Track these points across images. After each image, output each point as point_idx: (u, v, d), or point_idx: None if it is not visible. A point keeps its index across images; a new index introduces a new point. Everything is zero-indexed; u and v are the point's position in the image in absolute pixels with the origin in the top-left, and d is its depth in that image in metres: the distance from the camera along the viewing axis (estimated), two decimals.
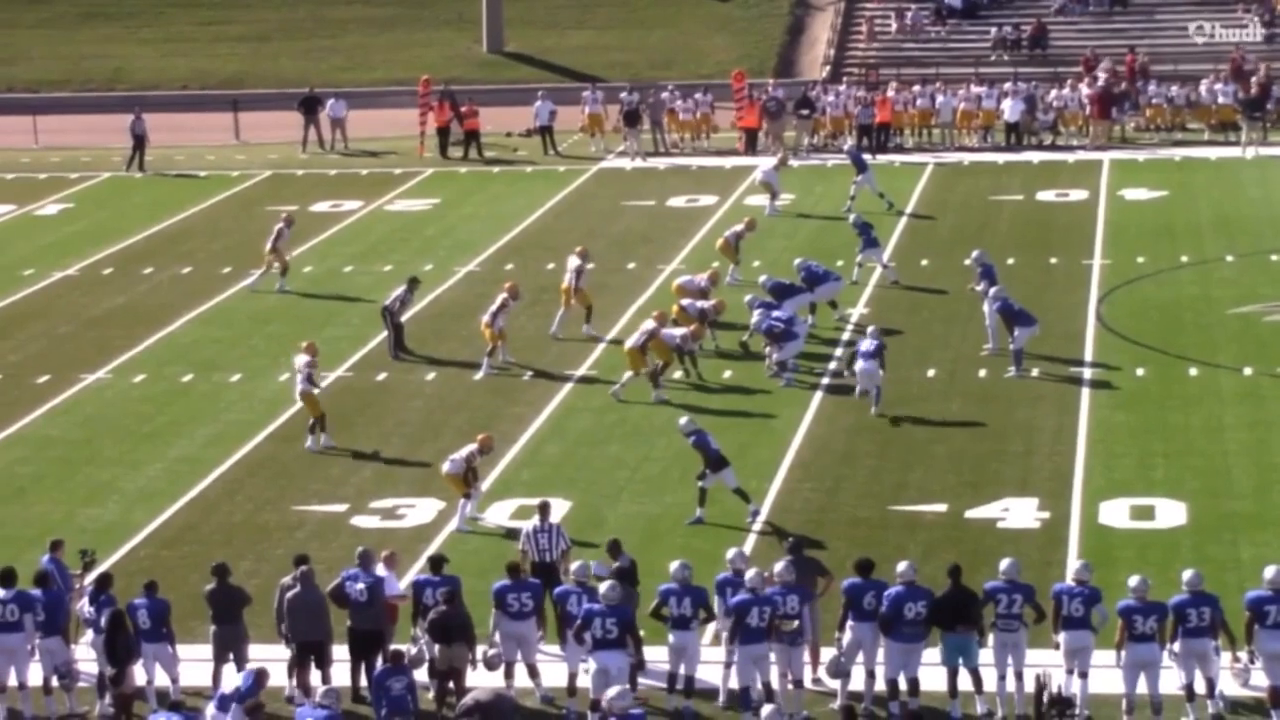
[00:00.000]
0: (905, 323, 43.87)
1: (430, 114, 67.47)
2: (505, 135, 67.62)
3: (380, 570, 28.19)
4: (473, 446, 34.02)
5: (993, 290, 41.84)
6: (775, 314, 41.03)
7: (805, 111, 66.12)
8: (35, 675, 27.65)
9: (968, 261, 45.31)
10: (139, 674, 27.51)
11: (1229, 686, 26.44)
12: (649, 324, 40.24)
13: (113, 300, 49.66)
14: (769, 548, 31.06)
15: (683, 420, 35.19)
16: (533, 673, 27.72)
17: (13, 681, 27.71)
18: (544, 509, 30.37)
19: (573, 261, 45.20)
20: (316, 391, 38.06)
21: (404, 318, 43.68)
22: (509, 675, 27.70)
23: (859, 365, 39.18)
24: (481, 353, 42.28)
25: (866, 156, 57.84)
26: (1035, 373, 40.99)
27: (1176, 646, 26.14)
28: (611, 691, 24.76)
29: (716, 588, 27.49)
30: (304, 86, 70.13)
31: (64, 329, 47.07)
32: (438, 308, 46.73)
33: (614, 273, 49.75)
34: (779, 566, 27.31)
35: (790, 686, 26.97)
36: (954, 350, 42.53)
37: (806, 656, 27.13)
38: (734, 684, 26.99)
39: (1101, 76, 66.83)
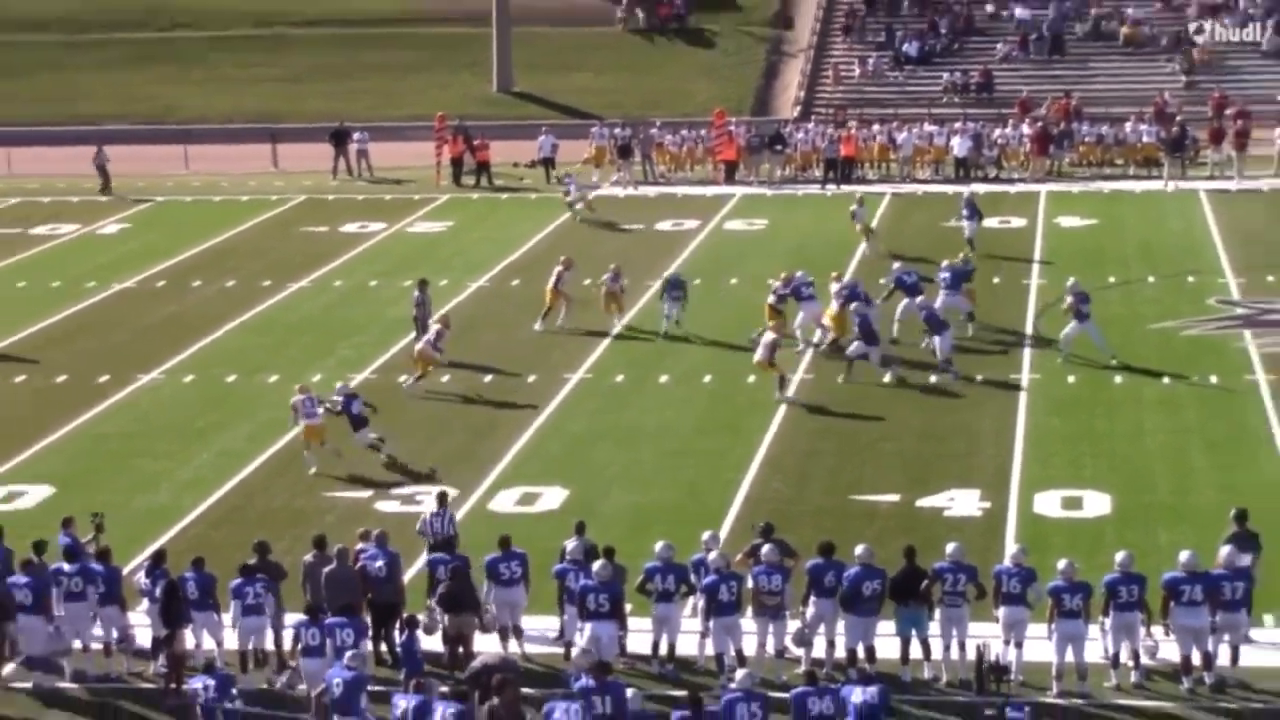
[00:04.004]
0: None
1: (445, 146, 67.59)
2: (512, 165, 67.72)
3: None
4: None
5: (919, 300, 43.07)
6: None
7: (779, 147, 66.31)
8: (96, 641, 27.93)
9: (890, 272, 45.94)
10: (188, 638, 27.73)
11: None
12: (769, 336, 40.54)
13: (165, 310, 49.77)
14: (742, 531, 31.16)
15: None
16: (517, 633, 27.95)
17: (78, 644, 27.98)
18: (442, 499, 30.69)
19: (557, 268, 46.31)
20: (318, 424, 37.13)
21: (432, 318, 43.84)
22: (504, 638, 27.91)
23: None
24: (490, 358, 42.63)
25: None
26: (977, 379, 41.17)
27: (1108, 620, 26.38)
28: (575, 650, 25.17)
29: (692, 566, 27.69)
30: (334, 121, 70.21)
31: (121, 335, 47.19)
32: (451, 317, 46.79)
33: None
34: (765, 549, 27.54)
35: (770, 653, 27.20)
36: (905, 361, 42.62)
37: (789, 627, 27.34)
38: (710, 651, 27.21)
39: (1040, 120, 67.20)
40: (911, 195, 62.39)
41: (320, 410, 36.99)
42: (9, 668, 27.84)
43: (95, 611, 27.96)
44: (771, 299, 44.20)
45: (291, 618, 27.60)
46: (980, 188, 58.55)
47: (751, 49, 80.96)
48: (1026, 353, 43.09)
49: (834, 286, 44.36)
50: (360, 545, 28.37)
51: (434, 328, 41.82)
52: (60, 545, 28.78)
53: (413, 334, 43.90)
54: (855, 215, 54.10)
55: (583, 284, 47.26)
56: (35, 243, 58.59)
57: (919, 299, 43.36)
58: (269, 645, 27.93)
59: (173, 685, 26.97)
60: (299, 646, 26.61)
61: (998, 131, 67.07)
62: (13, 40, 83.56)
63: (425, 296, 44.54)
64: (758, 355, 40.45)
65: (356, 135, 68.53)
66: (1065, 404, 39.65)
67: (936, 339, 42.00)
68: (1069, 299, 42.75)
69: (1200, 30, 77.60)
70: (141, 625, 28.07)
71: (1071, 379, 41.13)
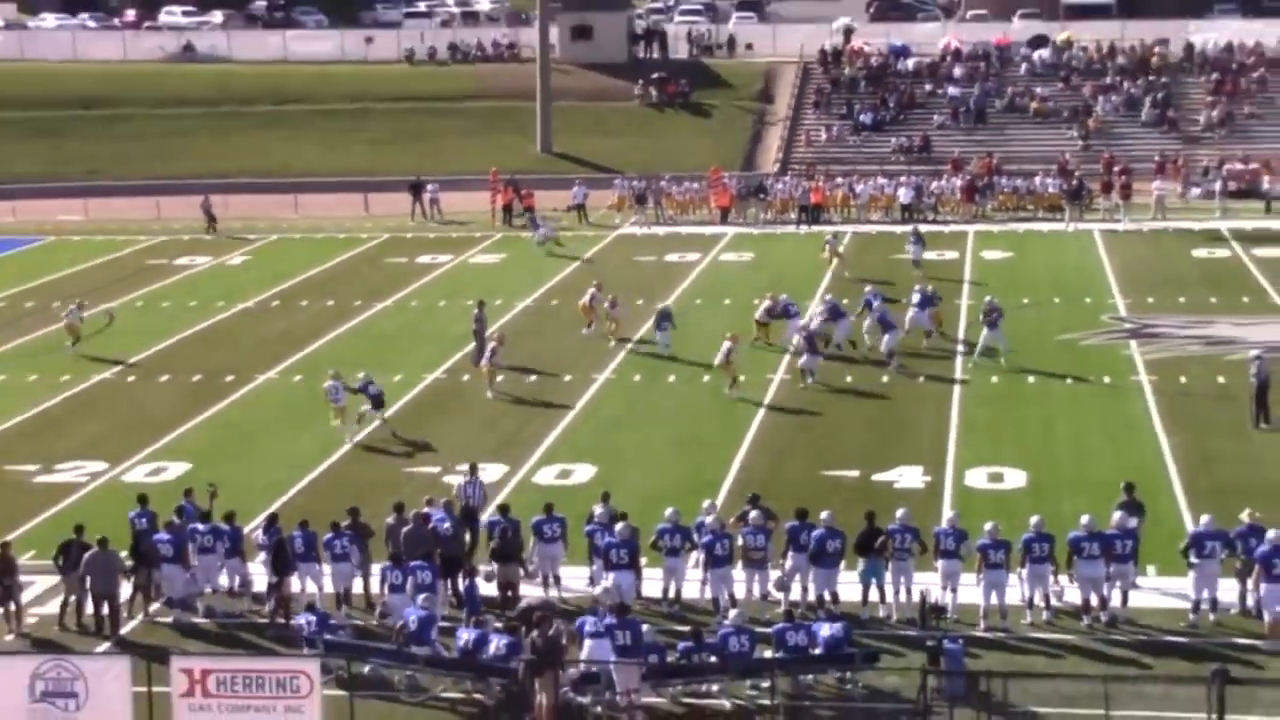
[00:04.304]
0: (825, 348, 43.61)
1: (499, 195, 67.43)
2: (552, 210, 67.47)
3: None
4: None
5: (876, 303, 43.65)
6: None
7: (762, 195, 66.15)
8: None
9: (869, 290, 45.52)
10: (295, 584, 27.56)
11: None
12: (726, 344, 40.17)
13: (278, 324, 49.58)
14: (734, 499, 30.95)
15: None
16: (556, 580, 27.81)
17: (209, 589, 27.81)
18: (473, 469, 30.46)
19: (590, 289, 46.52)
20: (343, 405, 37.45)
21: (488, 331, 43.50)
22: (546, 585, 27.74)
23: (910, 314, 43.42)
24: (533, 362, 42.43)
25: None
26: (921, 379, 40.94)
27: (1025, 571, 26.18)
28: (599, 590, 25.01)
29: (694, 527, 27.53)
30: (412, 175, 70.02)
31: (244, 344, 47.03)
32: (504, 333, 46.57)
33: (628, 306, 49.66)
34: (753, 514, 27.38)
35: (756, 597, 27.00)
36: (861, 363, 42.40)
37: (771, 576, 27.14)
38: (708, 595, 27.00)
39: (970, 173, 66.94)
40: (868, 234, 62.10)
41: (345, 396, 37.30)
42: (154, 606, 27.69)
43: (222, 562, 27.85)
44: (758, 314, 44.10)
45: (378, 566, 27.48)
46: (922, 227, 58.26)
47: (741, 118, 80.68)
48: (959, 357, 42.80)
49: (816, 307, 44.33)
50: (426, 509, 28.18)
51: (491, 344, 41.30)
52: (180, 510, 28.64)
53: (472, 344, 43.54)
54: (829, 245, 54.60)
55: (605, 303, 46.99)
56: (176, 271, 58.41)
57: (876, 304, 43.71)
58: (356, 588, 27.77)
59: (280, 620, 26.83)
60: (386, 585, 26.46)
61: (934, 184, 66.81)
62: (162, 114, 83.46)
63: (483, 313, 44.23)
64: (716, 359, 40.15)
65: (429, 186, 68.29)
66: (990, 398, 39.42)
67: (885, 336, 42.21)
68: (984, 313, 42.69)
69: (1094, 105, 77.40)
70: (259, 573, 27.90)
71: (995, 379, 40.87)
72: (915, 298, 44.48)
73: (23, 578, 27.45)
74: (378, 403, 37.71)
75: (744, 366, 41.15)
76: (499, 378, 40.60)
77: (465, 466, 31.44)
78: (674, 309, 45.68)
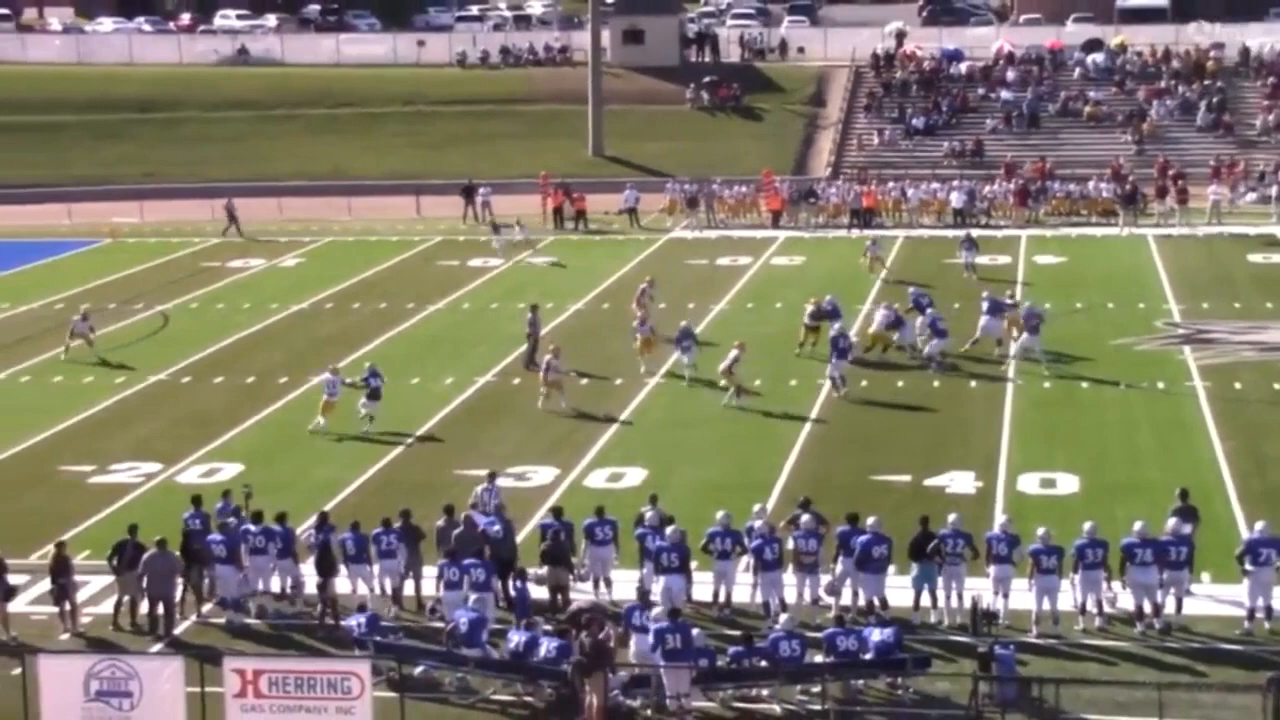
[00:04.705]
0: (879, 353, 43.49)
1: (550, 198, 67.55)
2: (604, 213, 67.51)
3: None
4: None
5: (929, 309, 43.26)
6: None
7: (812, 199, 66.03)
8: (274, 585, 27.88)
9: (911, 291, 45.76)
10: (345, 586, 27.62)
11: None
12: (734, 352, 39.85)
13: (331, 326, 49.76)
14: (785, 503, 30.89)
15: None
16: (607, 583, 27.75)
17: (261, 589, 27.93)
18: (491, 476, 30.35)
19: (641, 285, 46.74)
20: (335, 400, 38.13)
21: (543, 338, 43.54)
22: (596, 587, 27.73)
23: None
24: (585, 365, 42.43)
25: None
26: (972, 383, 40.77)
27: (1077, 577, 26.04)
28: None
29: (745, 531, 27.46)
30: (464, 178, 70.19)
31: (297, 346, 47.21)
32: (554, 333, 46.69)
33: (678, 309, 49.65)
34: (804, 518, 27.31)
35: (807, 601, 26.94)
36: (914, 369, 42.26)
37: (821, 581, 27.06)
38: (758, 599, 26.95)
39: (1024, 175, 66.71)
40: (919, 238, 61.89)
41: (340, 391, 38.00)
42: (207, 607, 27.82)
43: (274, 563, 27.93)
44: (805, 318, 43.92)
45: (430, 567, 27.52)
46: (974, 232, 58.09)
47: (792, 122, 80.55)
48: (1012, 361, 42.56)
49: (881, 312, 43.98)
50: (470, 511, 28.21)
51: (547, 357, 40.20)
52: (215, 510, 28.76)
53: (524, 346, 43.54)
54: (870, 251, 54.35)
55: (660, 305, 47.02)
56: (231, 274, 58.70)
57: (929, 309, 43.38)
58: (408, 590, 27.83)
59: (329, 621, 26.92)
60: (441, 582, 26.46)
61: (987, 188, 66.55)
62: (216, 116, 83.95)
63: (536, 317, 44.25)
64: (720, 365, 39.91)
65: (481, 189, 68.41)
66: (1042, 403, 39.21)
67: (934, 340, 42.08)
68: (1023, 318, 42.49)
69: (1148, 109, 76.92)
70: (311, 574, 27.94)
71: (1047, 384, 40.66)
72: (984, 305, 43.91)
73: (77, 577, 27.61)
74: (374, 395, 37.88)
75: (794, 369, 41.09)
76: (554, 392, 39.78)
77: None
78: (696, 328, 44.04)
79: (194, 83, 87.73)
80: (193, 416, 39.99)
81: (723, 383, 39.77)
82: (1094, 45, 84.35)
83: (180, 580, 27.34)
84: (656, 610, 24.64)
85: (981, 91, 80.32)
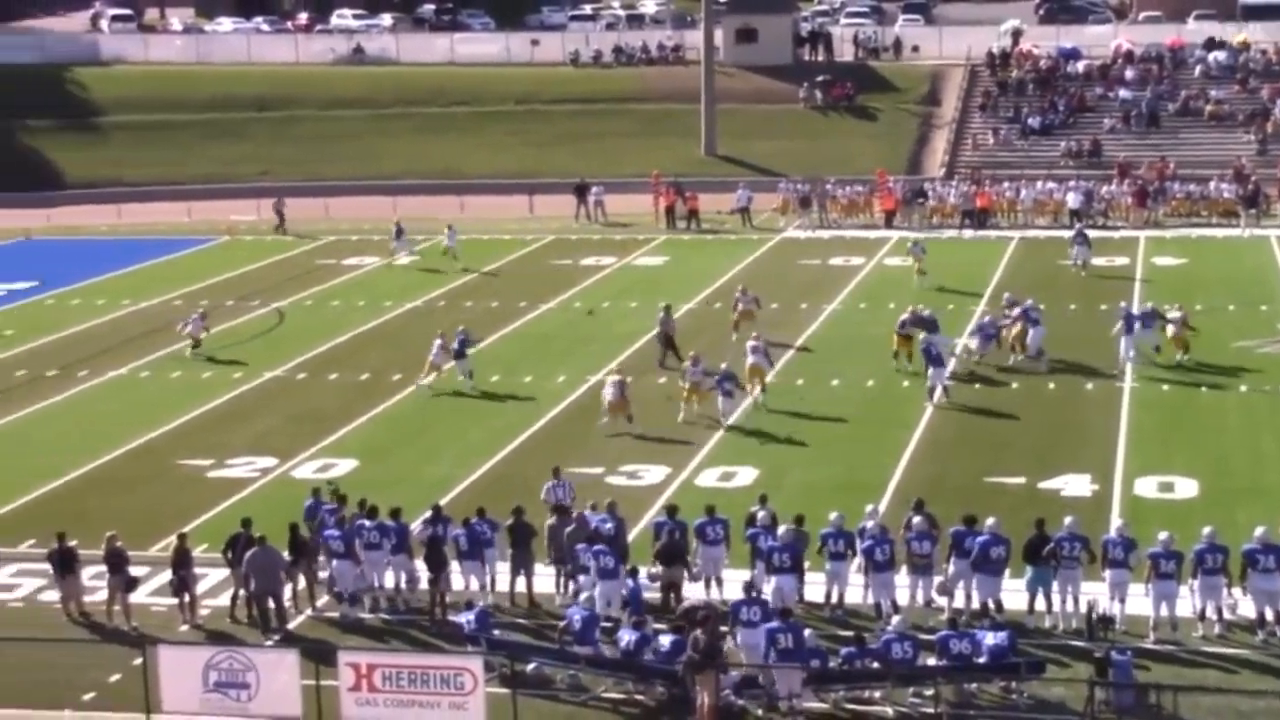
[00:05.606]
0: (996, 355, 43.10)
1: (662, 197, 67.68)
2: (716, 213, 67.50)
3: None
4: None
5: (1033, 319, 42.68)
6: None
7: (921, 200, 65.73)
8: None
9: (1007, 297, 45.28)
10: (458, 580, 27.82)
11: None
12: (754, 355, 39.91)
13: (444, 324, 49.95)
14: (897, 504, 30.77)
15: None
16: (719, 582, 27.73)
17: (376, 583, 28.19)
18: (556, 471, 30.51)
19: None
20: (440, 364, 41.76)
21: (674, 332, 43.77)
22: (708, 587, 27.74)
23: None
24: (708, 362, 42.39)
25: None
26: (1089, 386, 40.38)
27: (1196, 582, 25.72)
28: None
29: (857, 532, 27.36)
30: (576, 177, 70.45)
31: (411, 342, 47.47)
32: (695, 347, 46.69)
33: (792, 309, 49.59)
34: (916, 520, 27.18)
35: (920, 603, 26.82)
36: (1028, 373, 41.92)
37: (934, 582, 26.94)
38: (870, 600, 26.87)
39: (1141, 177, 65.94)
40: (1035, 239, 61.35)
41: (441, 355, 41.86)
42: (321, 600, 28.11)
43: (388, 559, 28.15)
44: (899, 327, 42.80)
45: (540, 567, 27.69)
46: (1090, 232, 57.50)
47: (907, 121, 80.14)
48: (1129, 364, 42.05)
49: (1016, 309, 43.40)
50: (588, 512, 28.33)
51: (687, 366, 39.47)
52: (304, 508, 29.07)
53: (633, 346, 43.52)
54: (914, 254, 53.77)
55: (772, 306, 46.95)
56: (345, 271, 59.28)
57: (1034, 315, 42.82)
58: (520, 588, 27.97)
59: (439, 616, 27.12)
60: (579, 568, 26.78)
61: (1105, 188, 65.86)
62: (330, 115, 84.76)
63: (669, 317, 44.28)
64: (751, 360, 39.69)
65: (594, 188, 68.65)
66: (1160, 405, 38.75)
67: (1032, 330, 42.12)
68: (1121, 319, 42.11)
69: (1272, 107, 75.78)
70: (424, 570, 28.16)
71: (1165, 386, 40.19)
72: (1128, 310, 42.81)
73: (197, 570, 28.00)
74: (458, 354, 41.56)
75: (906, 370, 40.91)
76: (661, 379, 40.12)
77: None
78: (735, 371, 39.89)
79: (310, 82, 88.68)
80: (308, 412, 40.44)
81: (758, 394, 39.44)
82: (1215, 43, 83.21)
83: (287, 576, 27.55)
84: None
85: (1099, 90, 79.49)
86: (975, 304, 48.90)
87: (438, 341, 42.32)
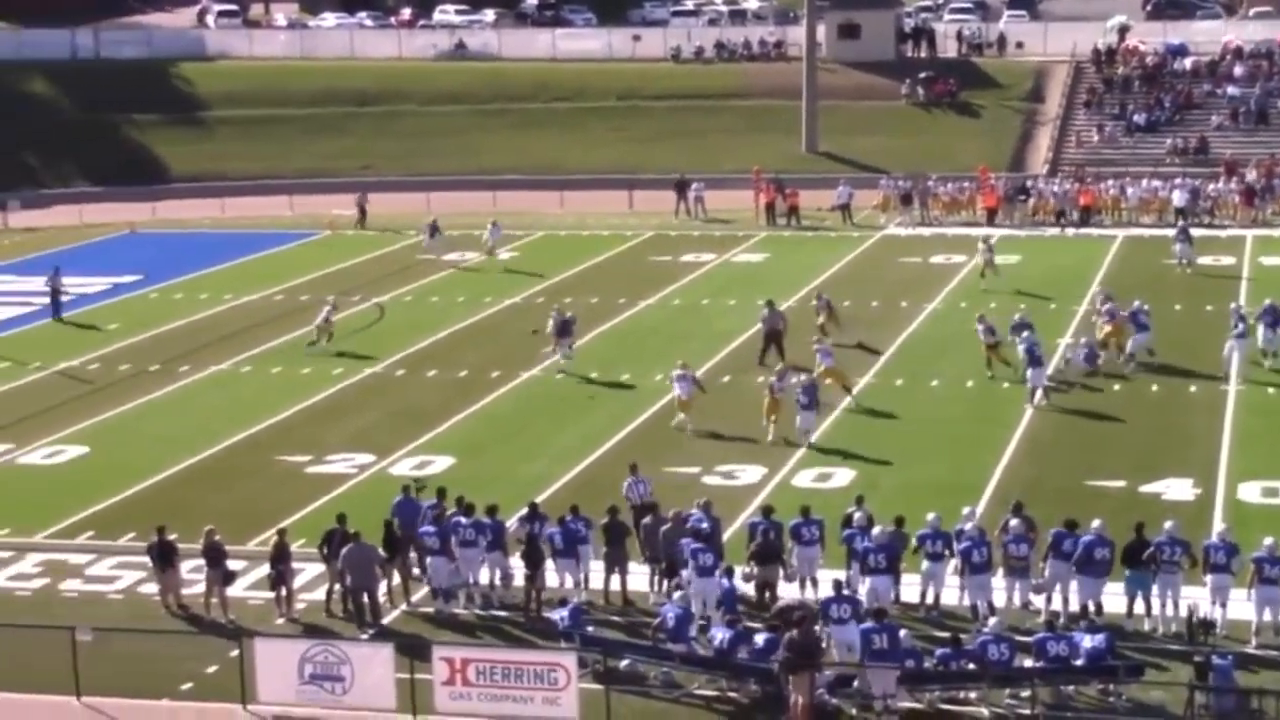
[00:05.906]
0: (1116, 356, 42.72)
1: (762, 194, 67.56)
2: (816, 210, 67.27)
3: None
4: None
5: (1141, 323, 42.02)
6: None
7: (1023, 197, 65.22)
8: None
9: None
10: (553, 578, 27.94)
11: None
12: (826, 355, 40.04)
13: (543, 320, 50.14)
14: (996, 505, 30.57)
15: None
16: (814, 582, 27.68)
17: (471, 580, 28.36)
18: (634, 468, 30.58)
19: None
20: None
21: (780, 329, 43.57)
22: (802, 586, 27.69)
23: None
24: (798, 361, 42.16)
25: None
26: (1193, 389, 39.92)
27: None
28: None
29: (954, 533, 27.23)
30: (677, 173, 70.49)
31: (509, 339, 47.70)
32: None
33: (892, 308, 49.35)
34: (1013, 522, 27.03)
35: (1017, 605, 26.66)
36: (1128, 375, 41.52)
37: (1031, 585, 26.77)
38: (966, 602, 26.73)
39: (1249, 174, 65.00)
40: (1139, 237, 60.70)
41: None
42: (417, 595, 28.33)
43: (484, 556, 28.31)
44: (981, 336, 41.84)
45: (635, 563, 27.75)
46: (1195, 230, 56.79)
47: (1010, 118, 79.53)
48: (1234, 367, 41.48)
49: (1107, 305, 42.98)
50: (685, 510, 28.37)
51: (770, 379, 38.52)
52: (392, 504, 29.27)
53: (761, 346, 43.36)
54: (984, 252, 53.40)
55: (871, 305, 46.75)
56: (445, 266, 59.44)
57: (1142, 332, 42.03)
58: (614, 586, 28.05)
59: (535, 612, 27.25)
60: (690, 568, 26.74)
61: (1211, 186, 65.04)
62: (431, 110, 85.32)
63: (774, 313, 44.09)
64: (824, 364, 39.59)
65: (694, 184, 68.65)
66: (1266, 409, 38.25)
67: (1136, 334, 41.65)
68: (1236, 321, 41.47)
69: None
70: (520, 568, 28.30)
71: (1271, 390, 39.61)
72: (1265, 315, 41.81)
73: (294, 564, 28.29)
74: (562, 333, 43.83)
75: (1004, 371, 40.58)
76: (759, 379, 39.87)
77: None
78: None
79: (412, 77, 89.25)
80: (406, 409, 40.71)
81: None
82: None
83: (379, 570, 27.77)
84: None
85: (1207, 87, 78.47)
86: (1078, 304, 48.39)
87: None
